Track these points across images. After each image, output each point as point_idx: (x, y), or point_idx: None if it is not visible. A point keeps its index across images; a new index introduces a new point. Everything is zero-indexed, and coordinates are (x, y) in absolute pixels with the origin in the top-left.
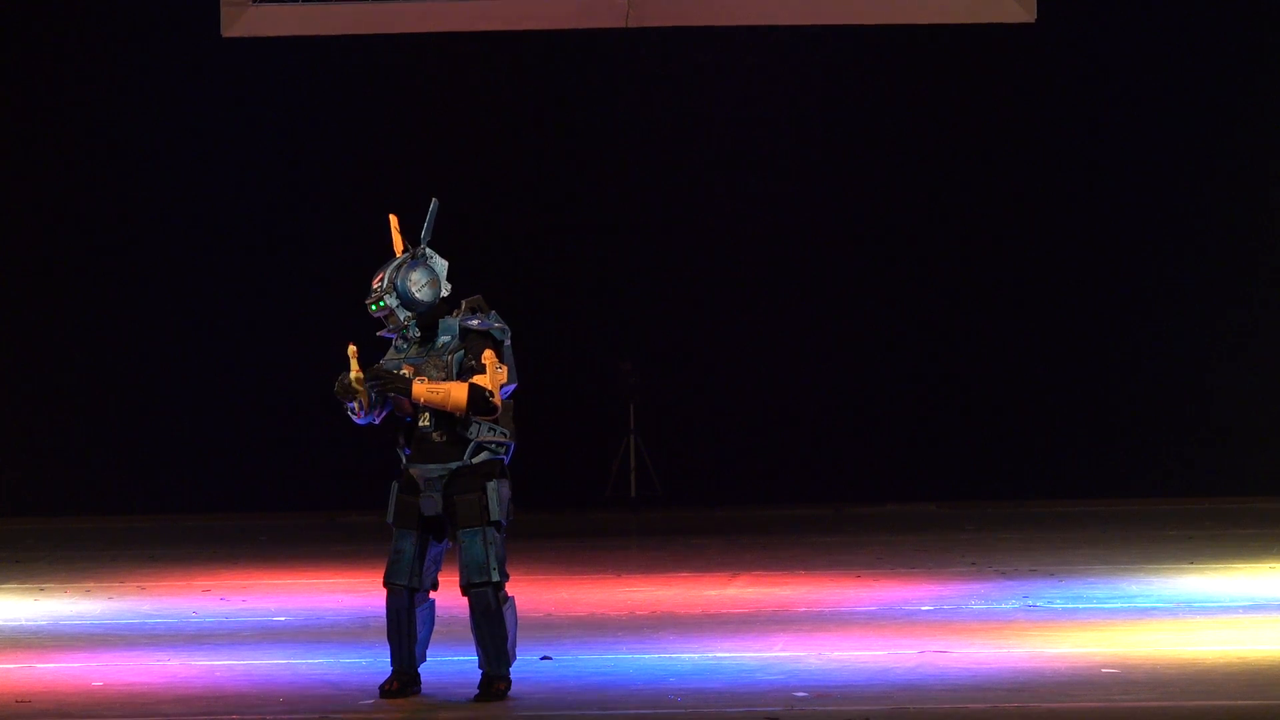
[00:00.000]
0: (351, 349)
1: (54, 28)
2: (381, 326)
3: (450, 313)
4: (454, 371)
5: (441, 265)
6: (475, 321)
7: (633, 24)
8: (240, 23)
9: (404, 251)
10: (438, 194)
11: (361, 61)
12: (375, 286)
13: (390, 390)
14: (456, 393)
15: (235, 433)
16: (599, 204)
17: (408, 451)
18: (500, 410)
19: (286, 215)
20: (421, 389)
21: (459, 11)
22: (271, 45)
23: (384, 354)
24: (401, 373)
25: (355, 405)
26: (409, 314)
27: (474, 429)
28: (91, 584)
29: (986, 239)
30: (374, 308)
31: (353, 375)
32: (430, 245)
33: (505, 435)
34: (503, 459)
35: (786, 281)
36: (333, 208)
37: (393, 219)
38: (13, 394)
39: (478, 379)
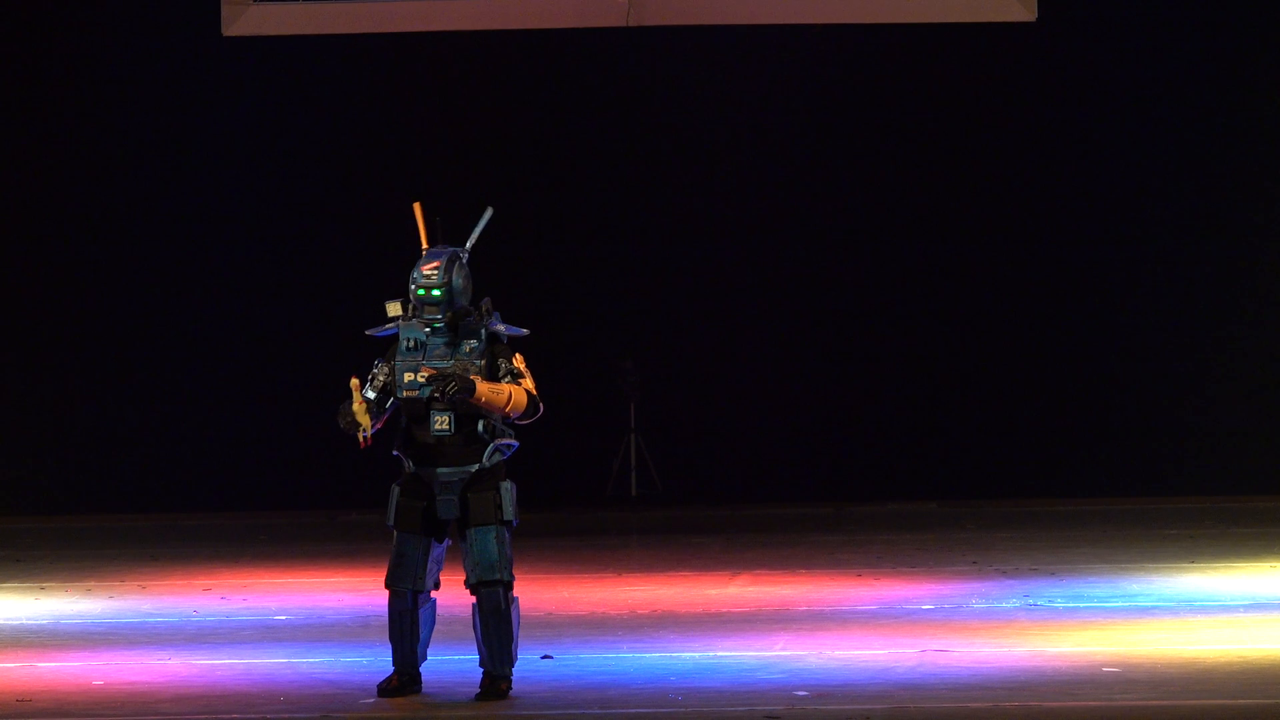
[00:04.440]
0: (354, 381)
1: (54, 27)
2: (382, 318)
3: (469, 314)
4: (485, 375)
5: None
6: (501, 327)
7: (633, 23)
8: (241, 21)
9: (438, 243)
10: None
11: (362, 61)
12: (429, 273)
13: (457, 391)
14: (518, 396)
15: (235, 432)
16: (599, 203)
17: (413, 455)
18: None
19: (286, 214)
20: (485, 388)
21: (459, 11)
22: (272, 44)
23: (371, 356)
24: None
25: (360, 435)
26: (449, 312)
27: (493, 431)
28: (92, 583)
29: (987, 238)
30: (422, 293)
31: (356, 405)
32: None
33: (512, 436)
34: (506, 459)
35: (787, 280)
36: (333, 207)
37: (417, 207)
38: (12, 393)
39: (526, 384)
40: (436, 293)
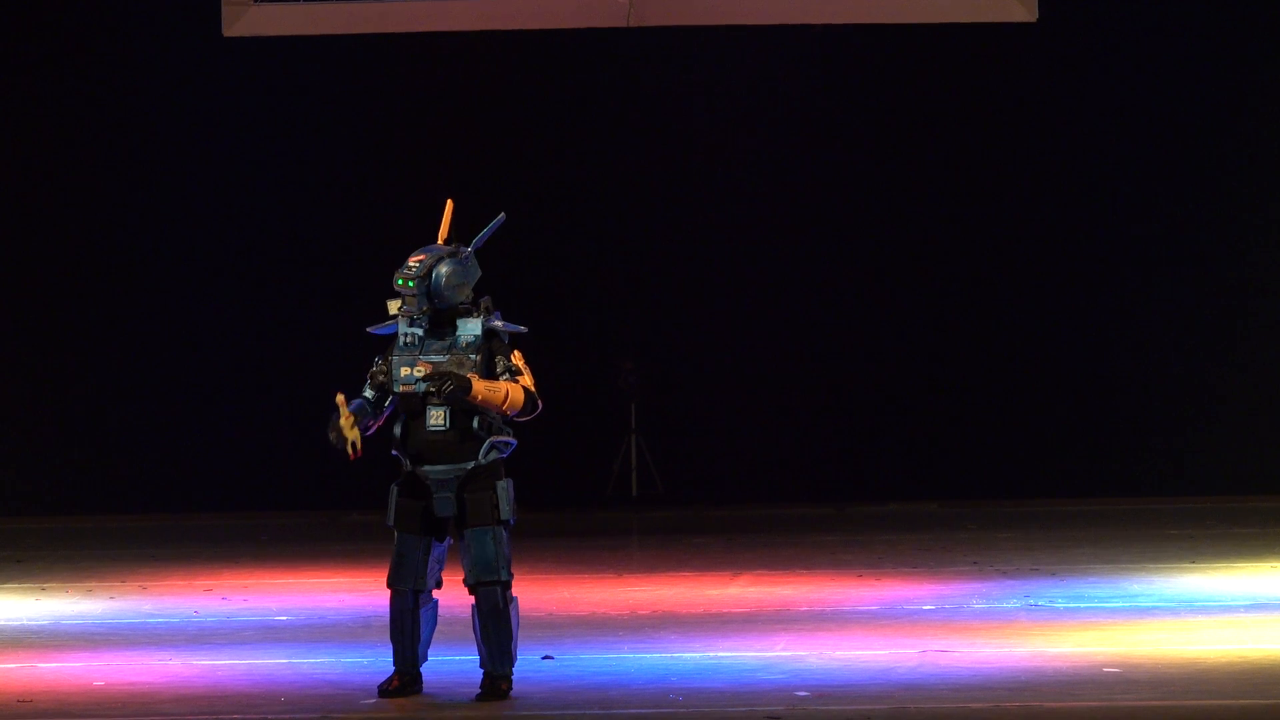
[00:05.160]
0: (340, 397)
1: (54, 27)
2: (383, 315)
3: (469, 312)
4: (482, 372)
5: (475, 274)
6: (500, 323)
7: (634, 23)
8: (241, 22)
9: (447, 242)
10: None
11: (362, 61)
12: (412, 265)
13: (453, 389)
14: (515, 393)
15: (235, 433)
16: (600, 204)
17: (409, 453)
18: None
19: (287, 215)
20: (481, 386)
21: (459, 11)
22: (273, 45)
23: (371, 356)
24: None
25: (349, 448)
26: (427, 305)
27: (489, 428)
28: (93, 583)
29: (987, 239)
30: (400, 283)
31: (343, 420)
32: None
33: (510, 434)
34: (504, 457)
35: (787, 280)
36: (333, 207)
37: (449, 204)
38: (12, 394)
39: (524, 381)
40: (411, 284)
